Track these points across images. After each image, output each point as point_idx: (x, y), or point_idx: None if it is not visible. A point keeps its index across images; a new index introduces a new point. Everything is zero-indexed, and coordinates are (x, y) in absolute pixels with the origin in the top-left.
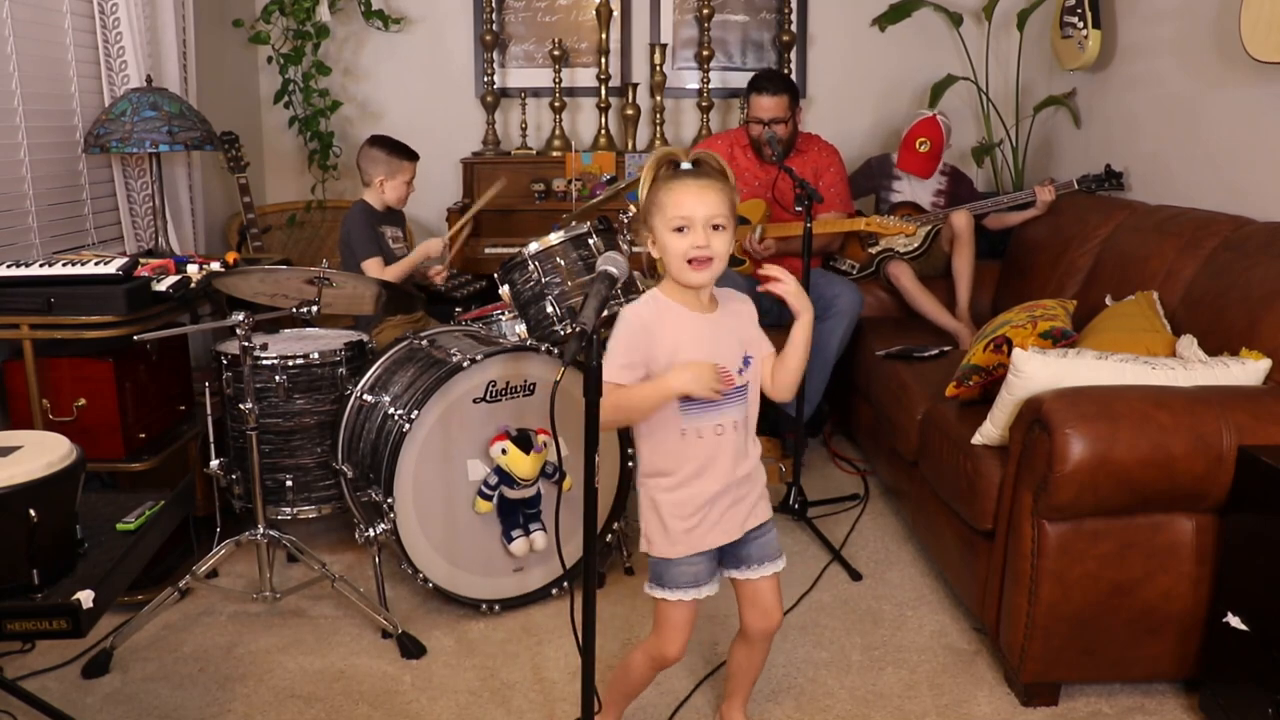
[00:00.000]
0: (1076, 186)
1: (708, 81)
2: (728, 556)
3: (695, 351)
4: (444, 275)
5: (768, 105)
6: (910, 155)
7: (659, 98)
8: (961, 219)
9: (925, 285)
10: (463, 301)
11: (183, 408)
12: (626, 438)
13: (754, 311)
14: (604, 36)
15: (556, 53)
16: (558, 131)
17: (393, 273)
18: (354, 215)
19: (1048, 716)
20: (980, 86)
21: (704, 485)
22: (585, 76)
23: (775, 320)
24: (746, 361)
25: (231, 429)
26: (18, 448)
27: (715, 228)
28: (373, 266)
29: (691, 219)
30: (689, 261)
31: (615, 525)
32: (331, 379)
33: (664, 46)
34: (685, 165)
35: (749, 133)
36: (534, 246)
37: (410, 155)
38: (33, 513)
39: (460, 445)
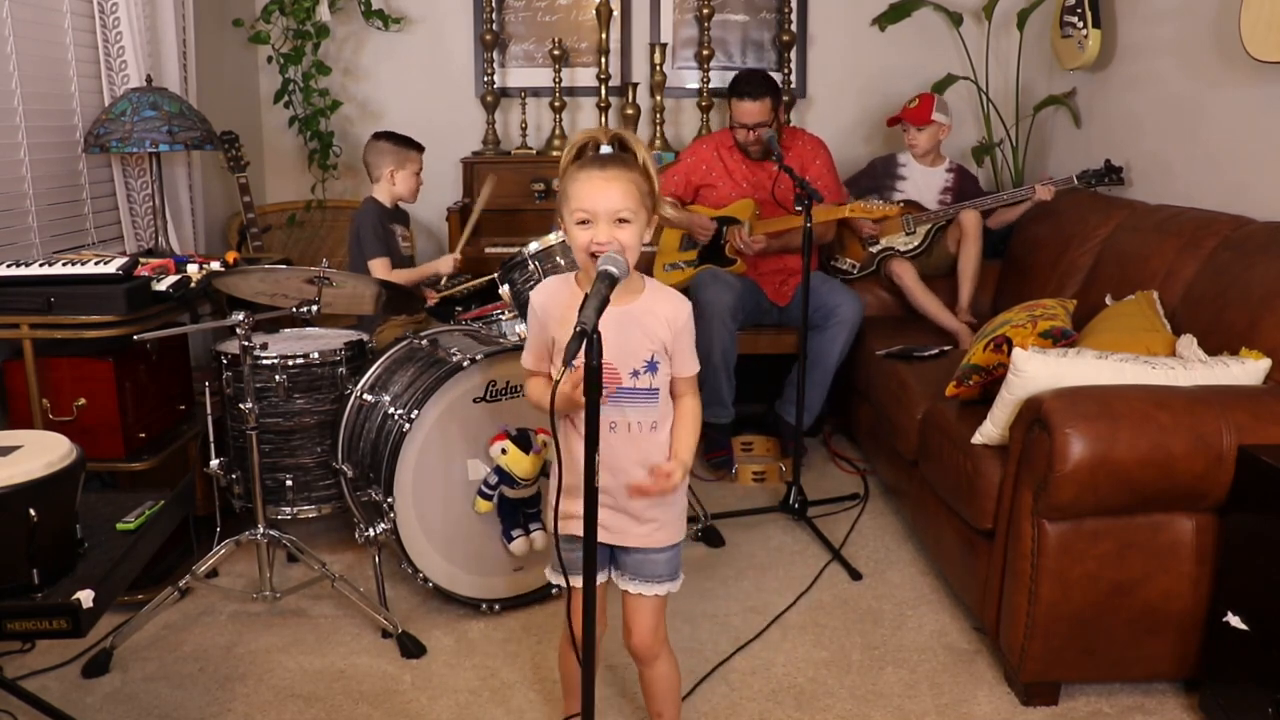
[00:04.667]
0: (1076, 182)
1: (708, 81)
2: (615, 561)
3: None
4: (434, 300)
5: (751, 110)
6: (903, 110)
7: (659, 97)
8: (970, 218)
9: (928, 284)
10: (463, 301)
11: (183, 408)
12: None
13: (688, 319)
14: (604, 36)
15: (556, 52)
16: (558, 131)
17: (399, 278)
18: (365, 213)
19: (1048, 716)
20: (980, 86)
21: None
22: (585, 76)
23: (775, 321)
24: (652, 366)
25: (231, 429)
26: (18, 448)
27: (620, 221)
28: (378, 266)
29: (594, 213)
30: (591, 256)
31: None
32: (331, 379)
33: (664, 46)
34: (605, 149)
35: (734, 137)
36: (534, 246)
37: (417, 146)
38: (33, 513)
39: (460, 445)
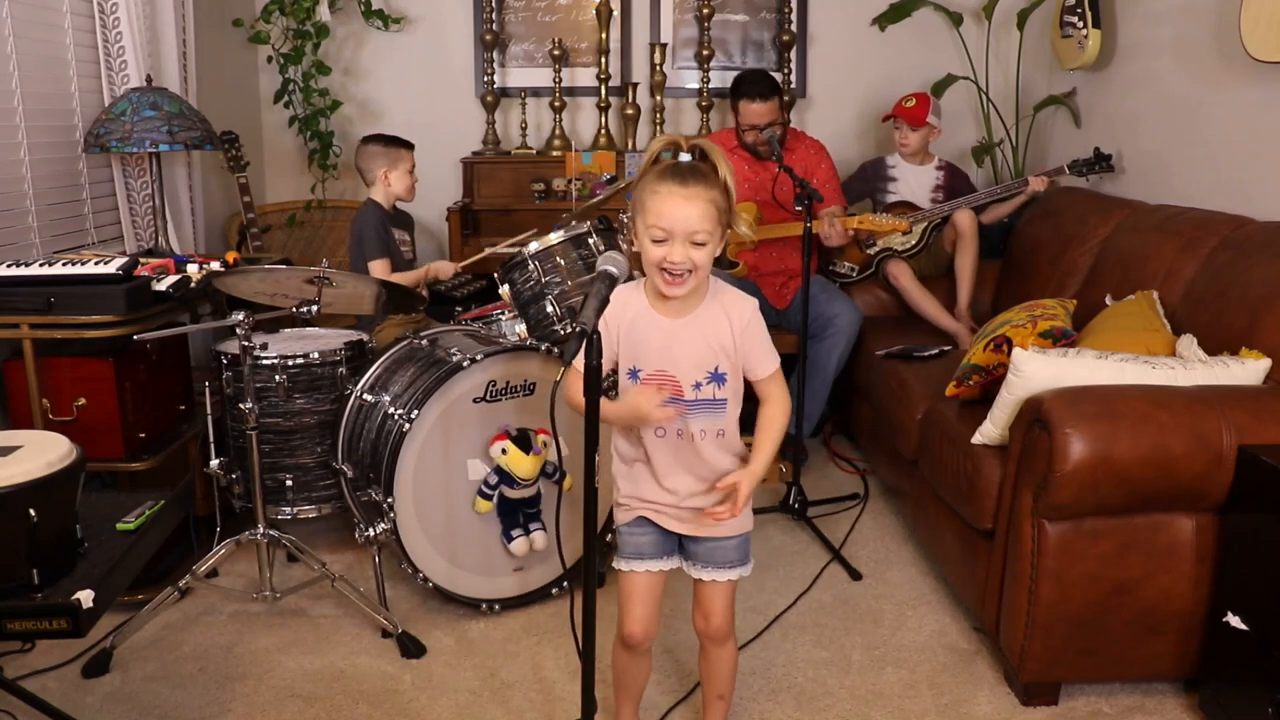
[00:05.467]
0: (1067, 171)
1: (708, 81)
2: (684, 549)
3: (643, 357)
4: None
5: (760, 111)
6: (899, 108)
7: (659, 97)
8: (965, 219)
9: (927, 285)
10: (463, 301)
11: (183, 408)
12: None
13: (753, 318)
14: (604, 36)
15: (556, 52)
16: (558, 131)
17: (397, 280)
18: (365, 215)
19: (1048, 716)
20: (980, 86)
21: (652, 477)
22: (585, 76)
23: (774, 323)
24: (717, 377)
25: (231, 429)
26: (18, 448)
27: (696, 244)
28: (378, 268)
29: (671, 232)
30: (663, 270)
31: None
32: (331, 378)
33: (664, 46)
34: (684, 156)
35: (742, 138)
36: (534, 246)
37: (406, 144)
38: (33, 513)
39: (460, 445)
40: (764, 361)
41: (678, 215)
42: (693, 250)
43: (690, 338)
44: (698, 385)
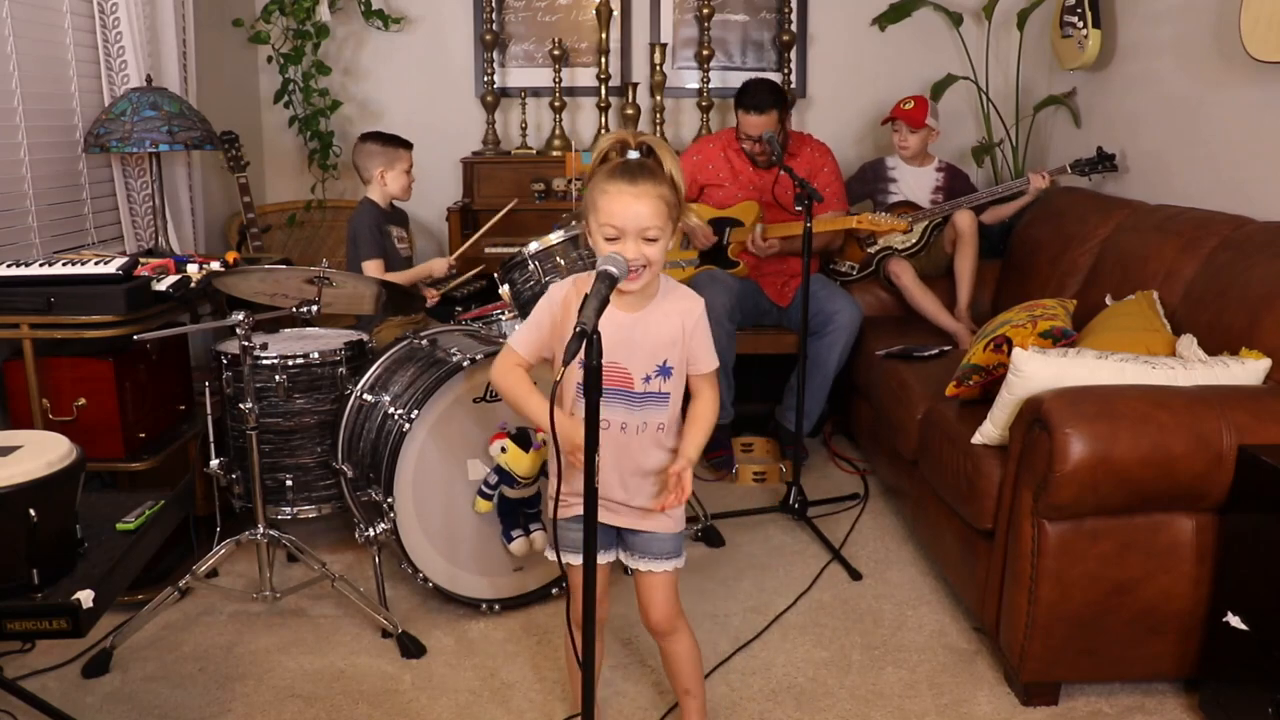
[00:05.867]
0: (1070, 170)
1: (708, 81)
2: (623, 540)
3: None
4: (435, 299)
5: (757, 123)
6: (897, 110)
7: (659, 97)
8: (965, 219)
9: (927, 285)
10: (463, 301)
11: (183, 408)
12: None
13: (699, 318)
14: (604, 36)
15: (556, 52)
16: (558, 131)
17: (393, 279)
18: (361, 214)
19: (1048, 716)
20: (980, 86)
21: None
22: (585, 76)
23: (775, 321)
24: (664, 370)
25: (231, 429)
26: (18, 448)
27: (648, 239)
28: (372, 268)
29: (622, 230)
30: None
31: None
32: (331, 378)
33: (664, 46)
34: (632, 154)
35: (742, 146)
36: (534, 246)
37: (405, 144)
38: (33, 513)
39: (460, 445)
40: (706, 358)
41: (628, 213)
42: (645, 246)
43: (644, 332)
44: (647, 378)
